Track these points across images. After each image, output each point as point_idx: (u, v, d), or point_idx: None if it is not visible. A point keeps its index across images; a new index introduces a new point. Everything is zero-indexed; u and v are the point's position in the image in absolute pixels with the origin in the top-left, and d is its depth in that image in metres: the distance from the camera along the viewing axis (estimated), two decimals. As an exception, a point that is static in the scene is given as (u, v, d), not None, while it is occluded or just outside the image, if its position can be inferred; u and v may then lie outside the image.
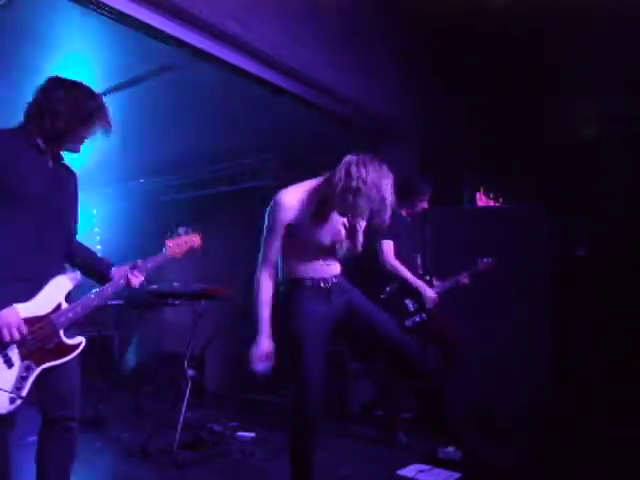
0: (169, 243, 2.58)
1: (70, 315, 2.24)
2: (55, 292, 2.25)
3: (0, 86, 4.22)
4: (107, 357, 7.03)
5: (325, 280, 2.84)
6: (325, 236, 2.80)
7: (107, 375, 6.64)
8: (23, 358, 2.14)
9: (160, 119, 5.27)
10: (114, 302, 6.13)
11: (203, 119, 5.24)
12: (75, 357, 2.29)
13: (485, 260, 4.37)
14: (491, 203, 6.60)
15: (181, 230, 2.65)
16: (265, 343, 2.72)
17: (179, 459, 3.76)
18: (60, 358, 2.23)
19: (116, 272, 2.45)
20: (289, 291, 2.85)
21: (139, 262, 2.47)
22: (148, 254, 2.52)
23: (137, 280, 2.44)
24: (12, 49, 3.83)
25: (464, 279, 4.30)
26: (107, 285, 2.39)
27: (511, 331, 4.80)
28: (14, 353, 2.12)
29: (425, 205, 4.31)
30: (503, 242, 4.83)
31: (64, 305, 2.26)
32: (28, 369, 2.14)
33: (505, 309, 4.84)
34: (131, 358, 7.04)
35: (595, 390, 4.73)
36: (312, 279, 2.82)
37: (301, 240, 2.77)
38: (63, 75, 2.32)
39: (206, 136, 5.69)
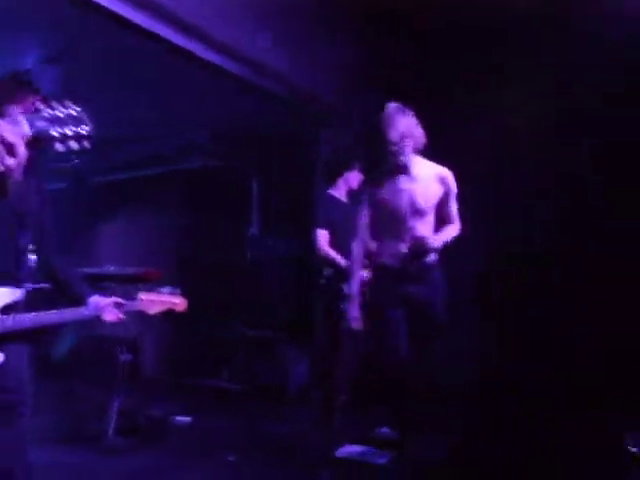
0: (142, 296, 2.53)
1: None
2: None
3: None
4: (37, 340, 6.79)
5: None
6: None
7: (38, 359, 6.42)
8: None
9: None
10: (45, 284, 5.91)
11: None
12: None
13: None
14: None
15: (165, 289, 2.61)
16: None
17: (114, 444, 3.71)
18: None
19: (93, 301, 2.36)
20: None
21: (121, 300, 2.42)
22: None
23: (112, 316, 2.39)
24: None
25: None
26: (65, 309, 2.36)
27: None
28: None
29: (356, 180, 4.15)
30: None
31: None
32: None
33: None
34: (64, 342, 6.84)
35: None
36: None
37: None
38: None
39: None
